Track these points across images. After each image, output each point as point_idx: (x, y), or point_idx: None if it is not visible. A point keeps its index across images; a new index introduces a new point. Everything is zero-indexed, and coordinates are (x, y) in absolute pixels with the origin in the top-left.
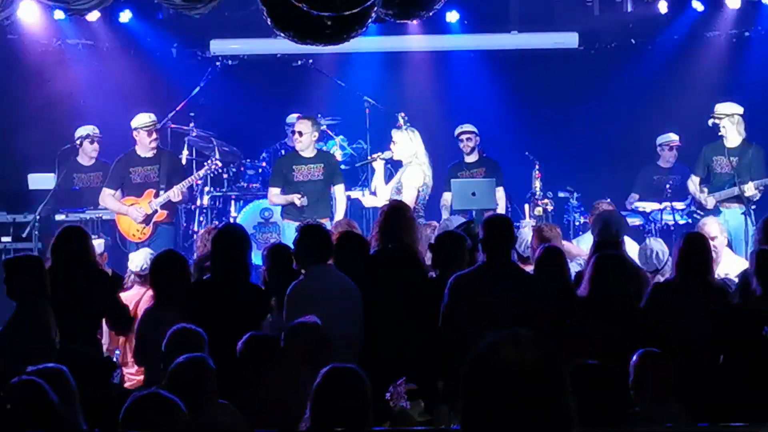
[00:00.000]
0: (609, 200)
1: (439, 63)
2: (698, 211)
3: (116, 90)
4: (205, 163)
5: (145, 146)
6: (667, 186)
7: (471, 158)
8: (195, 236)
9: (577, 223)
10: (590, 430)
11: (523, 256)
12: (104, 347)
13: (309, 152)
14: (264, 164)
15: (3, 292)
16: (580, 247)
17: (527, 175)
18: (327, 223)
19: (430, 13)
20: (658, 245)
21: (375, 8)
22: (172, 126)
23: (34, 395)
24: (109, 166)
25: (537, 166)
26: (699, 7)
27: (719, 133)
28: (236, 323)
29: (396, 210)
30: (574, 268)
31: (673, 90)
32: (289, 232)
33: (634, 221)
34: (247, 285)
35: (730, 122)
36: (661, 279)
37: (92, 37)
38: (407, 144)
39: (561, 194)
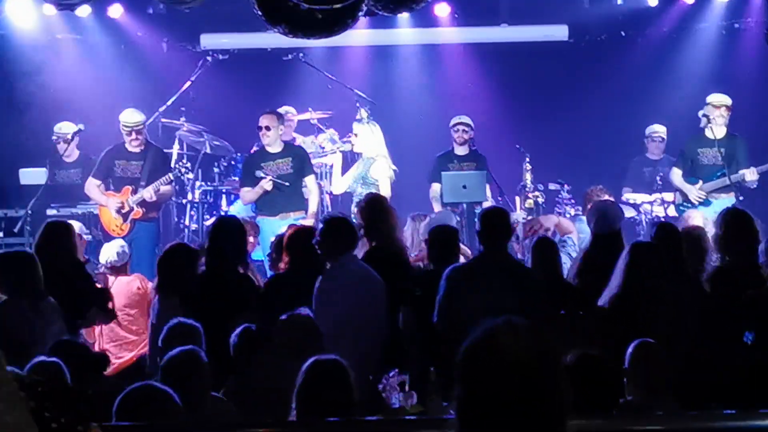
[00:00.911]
0: (602, 186)
1: (430, 56)
2: (685, 203)
3: (107, 85)
4: (175, 166)
5: (128, 142)
6: (657, 178)
7: (462, 150)
8: (186, 231)
9: (568, 215)
10: (583, 419)
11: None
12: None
13: (276, 147)
14: None
15: None
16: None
17: (518, 167)
18: (299, 216)
19: (420, 6)
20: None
21: (365, 1)
22: (163, 121)
23: (55, 375)
24: (93, 162)
25: (527, 159)
26: None
27: (702, 125)
28: (230, 315)
29: (373, 205)
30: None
31: (662, 82)
32: (267, 228)
33: (626, 214)
34: (240, 276)
35: (720, 114)
36: None
37: (82, 32)
38: (369, 137)
39: (552, 186)
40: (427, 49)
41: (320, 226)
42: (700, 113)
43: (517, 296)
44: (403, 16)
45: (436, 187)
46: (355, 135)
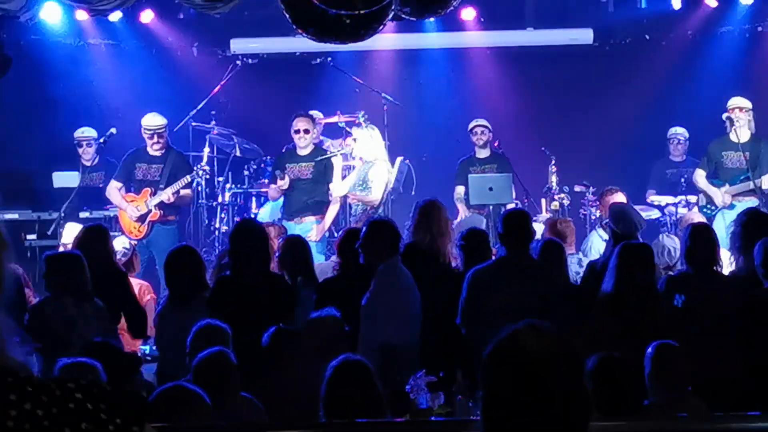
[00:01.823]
0: (617, 187)
1: (456, 60)
2: (709, 205)
3: (138, 89)
4: (194, 168)
5: (149, 145)
6: (682, 180)
7: (483, 153)
8: (217, 233)
9: (593, 217)
10: (606, 420)
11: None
12: None
13: (306, 150)
14: None
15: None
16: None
17: (543, 170)
18: (314, 222)
19: (447, 11)
20: (670, 242)
21: (393, 6)
22: (194, 124)
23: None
24: (115, 165)
25: (553, 161)
26: (712, 2)
27: (727, 129)
28: (259, 316)
29: (428, 205)
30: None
31: (686, 85)
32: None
33: (651, 215)
34: (268, 277)
35: (744, 117)
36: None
37: (114, 37)
38: (368, 141)
39: (577, 188)
40: (453, 53)
41: (363, 229)
42: (724, 116)
43: (538, 298)
44: (430, 21)
45: (460, 190)
46: (354, 140)
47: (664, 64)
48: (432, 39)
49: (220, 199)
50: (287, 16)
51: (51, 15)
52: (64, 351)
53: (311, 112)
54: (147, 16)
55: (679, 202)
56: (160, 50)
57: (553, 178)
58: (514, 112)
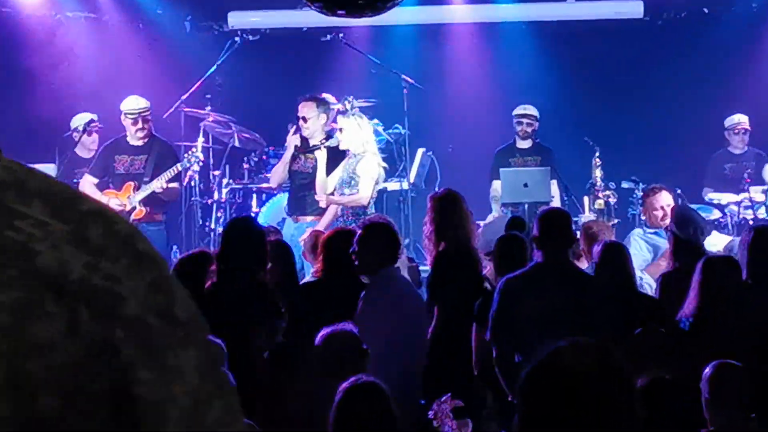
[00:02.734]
0: (661, 185)
1: (487, 36)
2: None
3: (121, 69)
4: (185, 155)
5: (131, 134)
6: (745, 175)
7: (525, 144)
8: (212, 235)
9: (643, 217)
10: None
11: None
12: None
13: (316, 139)
14: None
15: None
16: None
17: (586, 163)
18: (313, 222)
19: None
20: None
21: None
22: (186, 110)
23: None
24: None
25: (597, 153)
26: None
27: None
28: (249, 330)
29: (447, 200)
30: None
31: (748, 66)
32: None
33: (711, 215)
34: (259, 283)
35: None
36: None
37: (95, 10)
38: (356, 132)
39: (624, 184)
40: (484, 28)
41: (358, 231)
42: None
43: (581, 311)
44: None
45: (496, 186)
46: (341, 130)
47: (724, 42)
48: (459, 12)
49: (215, 196)
50: None
51: None
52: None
53: (324, 96)
54: None
55: (741, 201)
56: (147, 25)
57: (597, 173)
58: (552, 96)
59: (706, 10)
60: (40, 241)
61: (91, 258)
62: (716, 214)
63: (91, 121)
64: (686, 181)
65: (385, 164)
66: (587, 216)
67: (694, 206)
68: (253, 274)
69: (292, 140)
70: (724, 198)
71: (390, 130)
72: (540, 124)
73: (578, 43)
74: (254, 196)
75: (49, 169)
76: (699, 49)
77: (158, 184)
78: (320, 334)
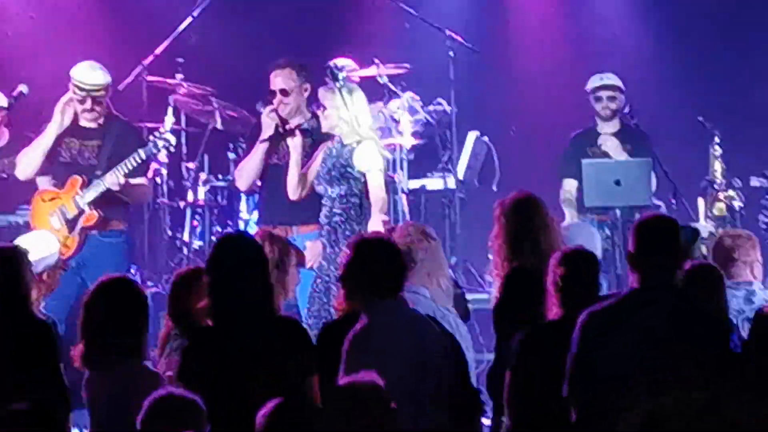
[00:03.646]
0: None
1: None
2: None
3: (62, 28)
4: (149, 138)
5: (79, 113)
6: None
7: (609, 127)
8: (185, 250)
9: None
10: None
11: None
12: None
13: (298, 119)
14: None
15: None
16: None
17: (701, 153)
18: (312, 233)
19: None
20: None
21: None
22: (150, 79)
23: None
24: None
25: (716, 140)
26: None
27: None
28: (254, 386)
29: (522, 207)
30: None
31: None
32: None
33: None
34: (279, 320)
35: None
36: None
37: None
38: (344, 111)
39: (754, 182)
40: None
41: (345, 252)
42: None
43: (691, 355)
44: None
45: (569, 185)
46: (323, 108)
47: None
48: None
49: (190, 198)
50: None
51: None
52: None
53: (338, 61)
54: None
55: None
56: None
57: (717, 166)
58: (651, 63)
59: None
60: None
61: None
62: None
63: (21, 94)
64: None
65: (388, 153)
66: (703, 224)
67: None
68: (258, 311)
69: (268, 122)
70: None
71: (430, 107)
72: (635, 101)
73: None
74: (243, 197)
75: None
76: None
77: (112, 180)
78: (335, 387)
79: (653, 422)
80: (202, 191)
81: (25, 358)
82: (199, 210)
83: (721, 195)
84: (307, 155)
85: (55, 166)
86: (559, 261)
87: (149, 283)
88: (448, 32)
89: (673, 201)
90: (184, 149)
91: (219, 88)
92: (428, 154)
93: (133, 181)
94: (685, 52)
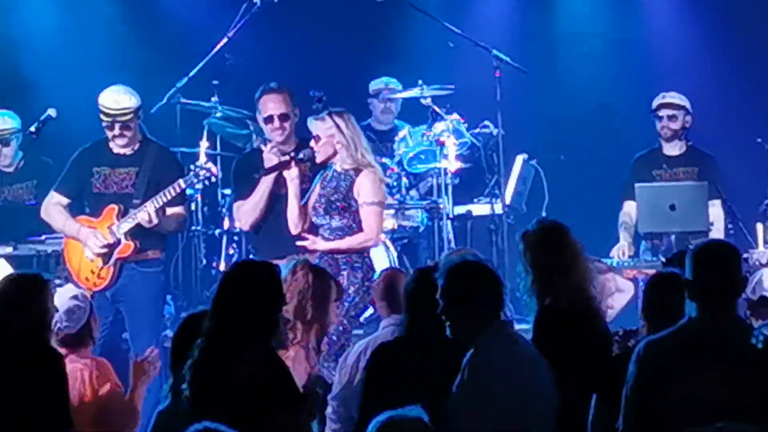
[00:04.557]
0: None
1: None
2: None
3: (95, 46)
4: (190, 168)
5: (111, 140)
6: None
7: (673, 149)
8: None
9: None
10: None
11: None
12: None
13: (290, 146)
14: None
15: None
16: None
17: (760, 175)
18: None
19: None
20: None
21: None
22: (184, 102)
23: None
24: (53, 170)
25: None
26: None
27: None
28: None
29: (549, 237)
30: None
31: None
32: None
33: None
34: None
35: None
36: None
37: None
38: (337, 135)
39: None
40: None
41: (441, 276)
42: None
43: (754, 389)
44: None
45: (629, 207)
46: (316, 138)
47: None
48: None
49: (226, 225)
50: None
51: None
52: None
53: (380, 81)
54: None
55: None
56: None
57: None
58: (709, 84)
59: None
60: None
61: None
62: None
63: (49, 117)
64: None
65: (388, 179)
66: (762, 251)
67: None
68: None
69: (271, 159)
70: None
71: (476, 129)
72: (695, 121)
73: (745, 7)
74: None
75: None
76: None
77: (143, 216)
78: (376, 424)
79: None
80: None
81: (36, 387)
82: (235, 238)
83: None
84: (306, 184)
85: (88, 195)
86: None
87: (183, 314)
88: (494, 51)
89: (731, 225)
90: (219, 174)
91: (255, 111)
92: (474, 179)
93: (170, 210)
94: (744, 71)
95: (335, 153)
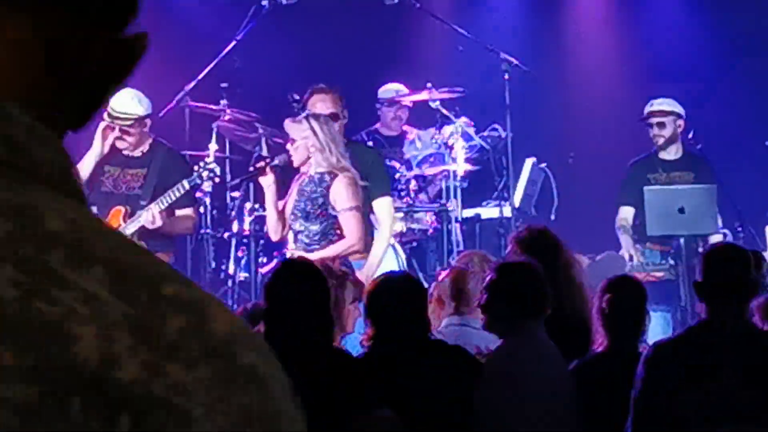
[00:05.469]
0: None
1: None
2: None
3: None
4: (194, 168)
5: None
6: None
7: (670, 153)
8: (230, 283)
9: None
10: None
11: None
12: None
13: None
14: None
15: None
16: None
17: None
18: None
19: None
20: None
21: None
22: (192, 105)
23: None
24: None
25: None
26: None
27: None
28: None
29: (542, 243)
30: None
31: None
32: None
33: None
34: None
35: None
36: None
37: None
38: (311, 138)
39: None
40: None
41: (489, 275)
42: None
43: (764, 392)
44: None
45: (626, 213)
46: (292, 141)
47: None
48: None
49: (235, 228)
50: None
51: None
52: None
53: (389, 87)
54: None
55: None
56: None
57: None
58: (716, 88)
59: None
60: (83, 322)
61: (155, 356)
62: None
63: None
64: None
65: (364, 182)
66: None
67: None
68: (320, 341)
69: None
70: None
71: (485, 133)
72: (696, 124)
73: (747, 9)
74: None
75: None
76: None
77: (147, 217)
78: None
79: None
80: (247, 221)
81: None
82: (245, 240)
83: None
84: (283, 190)
85: (96, 194)
86: (605, 288)
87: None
88: (503, 55)
89: (739, 228)
90: (228, 177)
91: (265, 114)
92: (483, 182)
93: (179, 212)
94: (751, 75)
95: (309, 157)
